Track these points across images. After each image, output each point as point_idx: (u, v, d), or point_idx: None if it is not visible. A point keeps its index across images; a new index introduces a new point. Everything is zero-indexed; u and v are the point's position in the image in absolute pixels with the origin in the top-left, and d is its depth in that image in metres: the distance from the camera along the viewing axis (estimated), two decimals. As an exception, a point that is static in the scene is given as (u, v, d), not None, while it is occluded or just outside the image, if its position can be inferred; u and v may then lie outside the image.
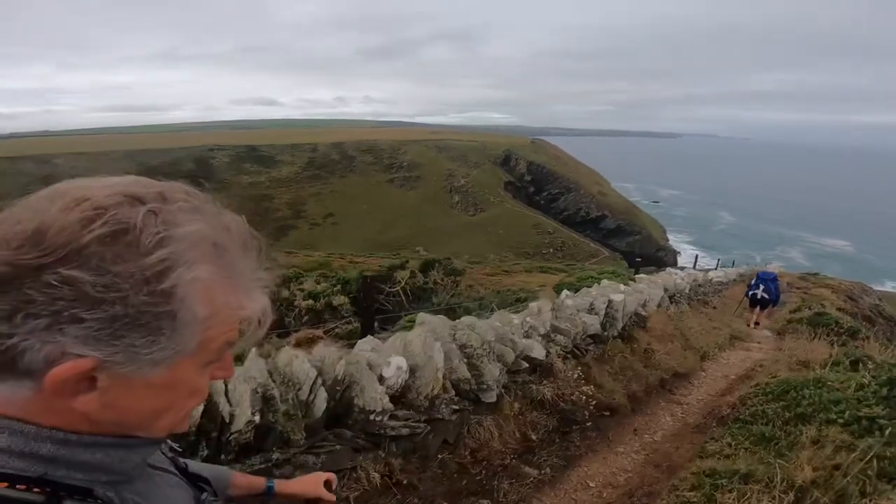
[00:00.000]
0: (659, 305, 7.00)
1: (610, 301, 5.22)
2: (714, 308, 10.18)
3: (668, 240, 68.73)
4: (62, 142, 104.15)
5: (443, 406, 3.02)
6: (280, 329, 5.64)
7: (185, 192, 0.53)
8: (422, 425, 2.86)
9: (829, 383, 3.92)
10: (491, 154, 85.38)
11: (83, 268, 0.44)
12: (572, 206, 71.71)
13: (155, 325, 0.47)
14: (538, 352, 3.88)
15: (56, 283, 0.43)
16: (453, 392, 3.16)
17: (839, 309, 13.19)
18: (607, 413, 4.07)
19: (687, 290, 8.93)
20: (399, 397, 2.90)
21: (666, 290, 7.68)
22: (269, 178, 76.40)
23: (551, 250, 56.18)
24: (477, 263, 24.04)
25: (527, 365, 3.78)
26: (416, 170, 78.42)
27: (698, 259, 20.30)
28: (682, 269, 13.61)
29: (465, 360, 3.30)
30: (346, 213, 67.83)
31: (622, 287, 6.43)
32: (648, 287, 7.26)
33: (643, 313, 5.98)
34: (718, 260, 25.71)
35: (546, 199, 74.56)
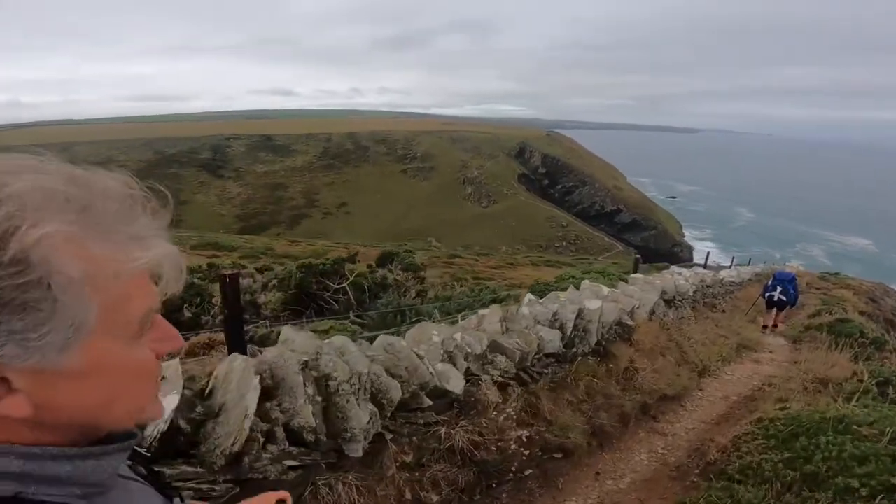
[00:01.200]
0: (653, 312, 6.01)
1: (581, 310, 4.34)
2: (723, 312, 9.26)
3: (684, 235, 67.69)
4: (83, 130, 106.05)
5: (265, 463, 2.19)
6: (192, 331, 5.00)
7: (15, 158, 0.46)
8: (218, 488, 2.08)
9: (855, 427, 2.98)
10: (505, 146, 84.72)
11: None
12: (587, 200, 70.92)
13: (24, 301, 0.40)
14: (455, 382, 3.00)
15: None
16: (287, 444, 2.29)
17: (861, 312, 12.67)
18: (559, 455, 3.22)
19: (691, 293, 7.91)
20: (187, 449, 2.09)
21: (664, 293, 6.77)
22: (284, 167, 76.85)
23: (564, 244, 55.68)
24: (484, 255, 23.85)
25: (430, 402, 2.86)
26: (429, 161, 78.17)
27: (710, 256, 19.58)
28: (692, 266, 12.35)
29: (322, 399, 2.41)
30: (359, 202, 67.98)
31: (604, 291, 5.49)
32: (641, 291, 6.26)
33: (629, 323, 5.07)
34: (733, 258, 25.03)
35: (560, 192, 73.83)
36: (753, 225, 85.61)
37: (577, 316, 4.29)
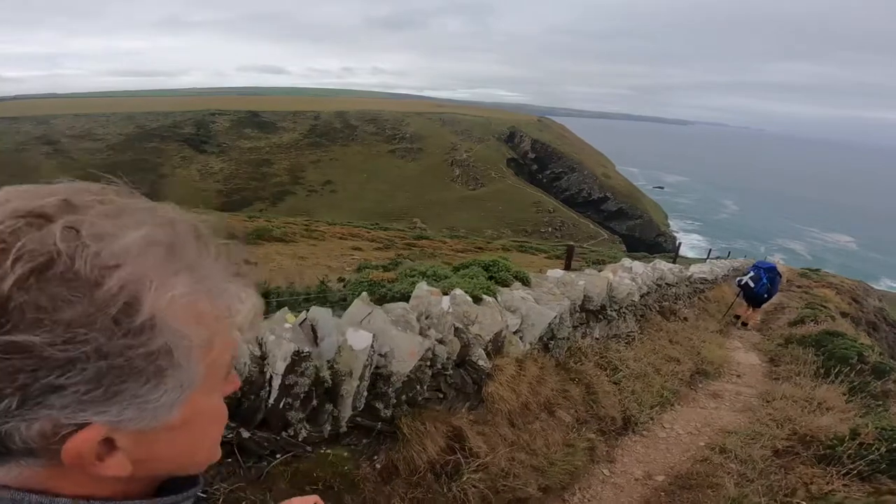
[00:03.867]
0: (551, 337, 3.86)
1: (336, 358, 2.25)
2: (684, 320, 7.27)
3: (668, 226, 67.95)
4: (65, 103, 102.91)
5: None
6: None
7: (93, 192, 0.42)
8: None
9: None
10: (496, 130, 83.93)
11: (21, 328, 0.35)
12: (575, 187, 70.70)
13: (151, 368, 0.39)
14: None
15: (1, 357, 0.35)
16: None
17: (844, 314, 12.13)
18: None
19: (637, 297, 5.61)
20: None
21: (586, 300, 4.59)
22: (270, 144, 75.33)
23: (550, 229, 55.52)
24: (456, 237, 23.38)
25: None
26: (418, 142, 77.19)
27: (681, 248, 18.88)
28: (652, 260, 9.82)
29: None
30: (345, 181, 67.02)
31: (442, 304, 3.01)
32: (536, 301, 3.89)
33: (482, 364, 2.94)
34: (710, 251, 24.65)
35: (549, 178, 73.50)
36: (738, 217, 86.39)
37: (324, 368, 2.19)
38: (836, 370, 5.40)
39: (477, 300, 3.38)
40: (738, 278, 9.31)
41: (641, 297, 6.00)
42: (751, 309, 9.20)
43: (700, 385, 5.37)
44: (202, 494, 0.58)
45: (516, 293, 3.89)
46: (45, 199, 0.39)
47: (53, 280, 0.35)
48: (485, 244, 19.94)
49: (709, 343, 6.67)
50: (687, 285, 8.87)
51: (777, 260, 10.98)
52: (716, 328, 8.06)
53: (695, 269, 10.54)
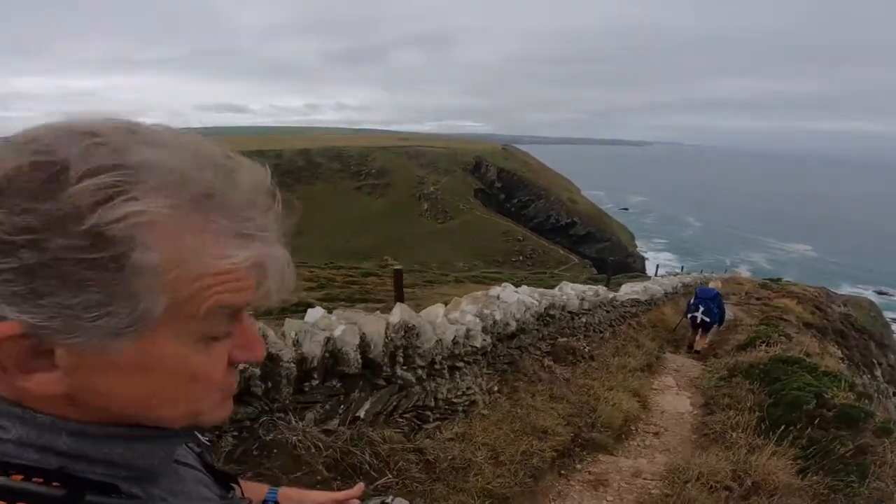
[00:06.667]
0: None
1: None
2: (590, 359, 5.51)
3: (637, 246, 69.03)
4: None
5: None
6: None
7: (167, 127, 0.43)
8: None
9: None
10: (461, 161, 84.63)
11: None
12: (542, 214, 71.36)
13: (87, 277, 0.36)
14: None
15: None
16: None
17: (808, 324, 11.50)
18: None
19: (483, 343, 3.78)
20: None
21: (321, 366, 2.65)
22: (232, 186, 73.82)
23: (521, 258, 55.43)
24: (412, 272, 22.53)
25: None
26: (384, 177, 76.96)
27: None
28: (559, 284, 6.77)
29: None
30: (310, 221, 65.79)
31: None
32: None
33: None
34: (657, 266, 24.58)
35: (516, 206, 74.08)
36: (702, 233, 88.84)
37: None
38: (786, 423, 4.08)
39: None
40: (691, 315, 8.96)
41: (503, 338, 4.20)
42: (703, 337, 9.01)
43: (579, 466, 3.69)
44: (199, 436, 0.60)
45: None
46: (116, 124, 0.40)
47: (48, 175, 0.36)
48: (434, 278, 19.17)
49: (618, 390, 4.95)
50: (608, 311, 7.54)
51: (717, 282, 10.79)
52: (641, 363, 6.54)
53: (625, 290, 9.79)
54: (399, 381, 3.01)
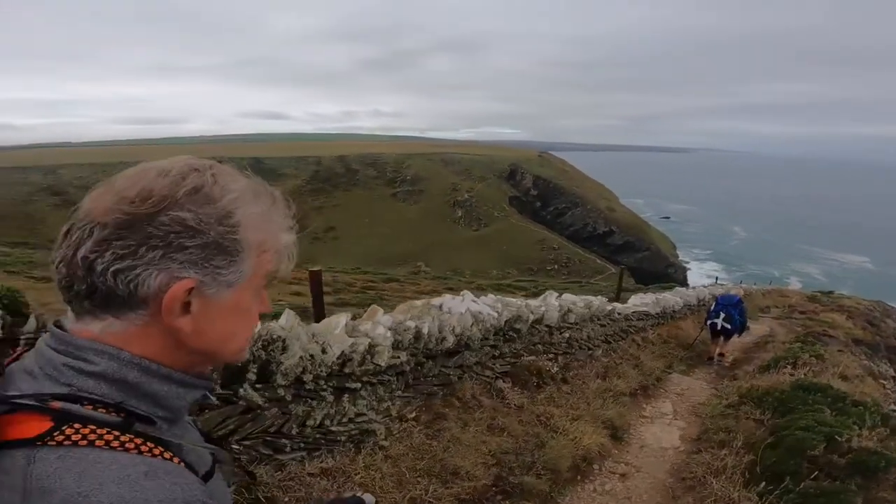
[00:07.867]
0: None
1: None
2: (562, 382, 4.89)
3: (677, 256, 66.69)
4: (75, 153, 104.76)
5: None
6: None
7: (224, 166, 0.67)
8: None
9: None
10: (496, 168, 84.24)
11: (183, 211, 0.58)
12: (579, 222, 70.03)
13: (231, 248, 0.60)
14: None
15: (168, 222, 0.57)
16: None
17: (857, 341, 10.59)
18: None
19: (390, 360, 3.22)
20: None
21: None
22: (273, 192, 75.74)
23: (556, 266, 54.50)
24: (440, 278, 22.22)
25: None
26: (419, 183, 77.39)
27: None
28: (558, 296, 6.21)
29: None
30: (347, 226, 66.80)
31: None
32: None
33: None
34: (707, 277, 23.54)
35: (552, 214, 73.00)
36: (748, 243, 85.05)
37: None
38: (781, 472, 3.20)
39: None
40: (711, 322, 8.58)
41: (434, 355, 3.60)
42: (724, 344, 8.59)
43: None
44: (210, 396, 0.89)
45: None
46: (203, 163, 0.64)
47: (201, 195, 0.59)
48: (458, 285, 18.80)
49: (584, 420, 4.19)
50: (603, 325, 6.73)
51: (739, 290, 10.31)
52: (633, 385, 5.67)
53: (633, 302, 8.96)
54: (241, 402, 2.44)
